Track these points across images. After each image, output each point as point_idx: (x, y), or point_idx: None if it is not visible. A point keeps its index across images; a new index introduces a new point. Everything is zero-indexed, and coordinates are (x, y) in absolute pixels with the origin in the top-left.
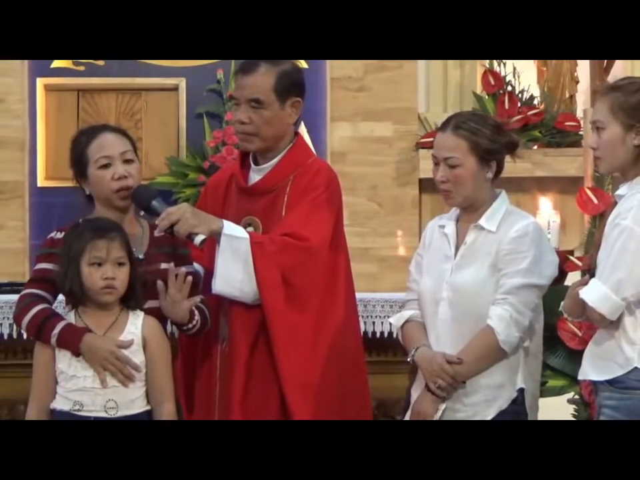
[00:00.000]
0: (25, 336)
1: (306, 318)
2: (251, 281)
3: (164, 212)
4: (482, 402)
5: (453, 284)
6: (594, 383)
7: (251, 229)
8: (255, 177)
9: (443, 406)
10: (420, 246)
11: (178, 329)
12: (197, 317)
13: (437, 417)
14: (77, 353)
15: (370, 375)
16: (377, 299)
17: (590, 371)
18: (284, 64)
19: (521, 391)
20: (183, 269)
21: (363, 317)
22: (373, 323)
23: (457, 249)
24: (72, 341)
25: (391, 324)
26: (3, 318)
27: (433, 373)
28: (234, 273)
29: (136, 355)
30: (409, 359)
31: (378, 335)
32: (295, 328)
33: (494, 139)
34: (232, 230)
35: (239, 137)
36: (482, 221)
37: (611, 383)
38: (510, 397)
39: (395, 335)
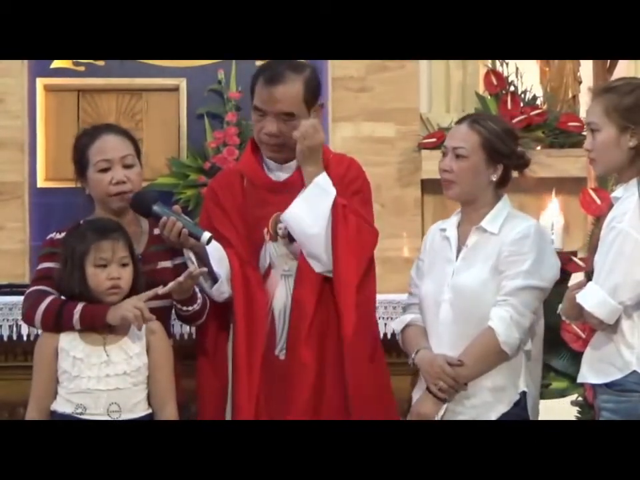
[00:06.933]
0: (25, 338)
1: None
2: (323, 233)
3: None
4: (483, 404)
5: (454, 286)
6: (593, 385)
7: (283, 224)
8: (280, 174)
9: (444, 407)
10: (421, 250)
11: (178, 306)
12: (199, 298)
13: (438, 418)
14: (103, 325)
15: None
16: (379, 300)
17: (589, 374)
18: (305, 69)
19: (524, 394)
20: (196, 270)
21: None
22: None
23: (458, 251)
24: (97, 315)
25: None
26: (3, 319)
27: (434, 375)
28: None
29: (140, 357)
30: (409, 362)
31: (381, 336)
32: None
33: (506, 142)
34: (321, 180)
35: (267, 148)
36: (484, 223)
37: (609, 385)
38: (512, 400)
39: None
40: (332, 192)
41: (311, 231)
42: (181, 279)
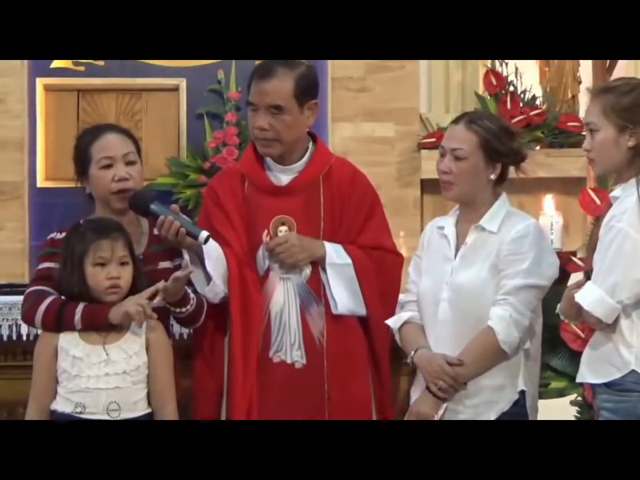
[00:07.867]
0: (24, 337)
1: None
2: (359, 299)
3: (273, 243)
4: (483, 404)
5: (453, 284)
6: (592, 385)
7: (284, 227)
8: (282, 177)
9: (444, 406)
10: (419, 248)
11: (171, 308)
12: (192, 299)
13: (437, 417)
14: (105, 324)
15: None
16: None
17: (588, 374)
18: (299, 66)
19: (522, 393)
20: (182, 272)
21: None
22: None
23: (457, 250)
24: (99, 314)
25: None
26: (3, 319)
27: (434, 374)
28: (346, 296)
29: (139, 356)
30: (408, 361)
31: None
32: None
33: (504, 141)
34: (333, 258)
35: (259, 143)
36: (483, 222)
37: (608, 385)
38: (511, 399)
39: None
40: (347, 262)
41: (362, 310)
42: (160, 284)
